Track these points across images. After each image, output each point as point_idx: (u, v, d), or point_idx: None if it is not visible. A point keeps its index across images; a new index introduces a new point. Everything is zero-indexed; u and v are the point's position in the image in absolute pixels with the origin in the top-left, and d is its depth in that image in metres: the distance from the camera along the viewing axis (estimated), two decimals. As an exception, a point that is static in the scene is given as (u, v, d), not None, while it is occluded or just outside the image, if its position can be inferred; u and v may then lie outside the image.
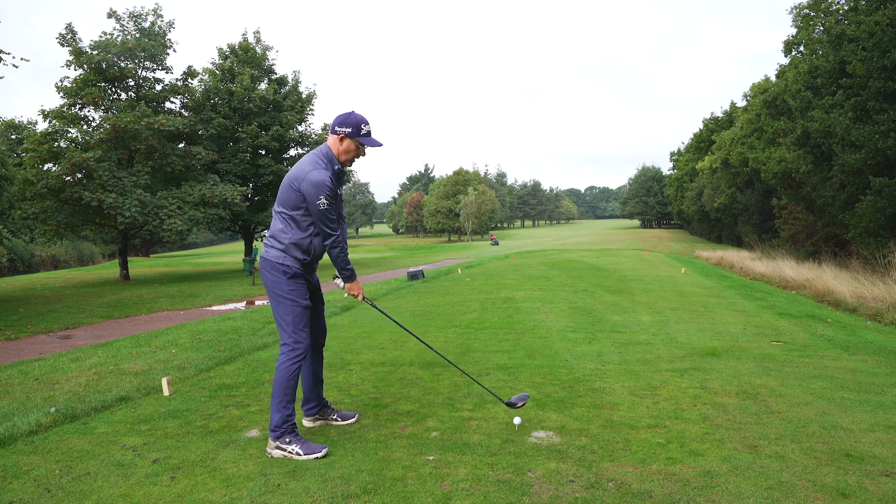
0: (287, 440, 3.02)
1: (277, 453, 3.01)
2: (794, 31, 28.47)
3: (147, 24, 23.21)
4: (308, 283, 3.23)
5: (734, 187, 44.81)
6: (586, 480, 2.64)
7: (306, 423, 3.49)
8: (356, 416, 3.56)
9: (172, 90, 24.18)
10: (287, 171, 29.26)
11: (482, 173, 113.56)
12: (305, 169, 3.02)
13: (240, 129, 26.42)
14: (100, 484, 2.76)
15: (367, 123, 3.13)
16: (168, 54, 23.40)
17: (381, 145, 3.21)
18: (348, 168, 3.19)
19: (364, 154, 3.20)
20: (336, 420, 3.50)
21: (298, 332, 3.08)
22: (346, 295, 3.47)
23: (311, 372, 3.42)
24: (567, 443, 3.10)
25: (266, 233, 27.01)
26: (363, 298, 3.37)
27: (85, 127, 22.08)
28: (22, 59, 13.37)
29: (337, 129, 3.09)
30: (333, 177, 3.06)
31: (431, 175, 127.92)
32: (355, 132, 3.09)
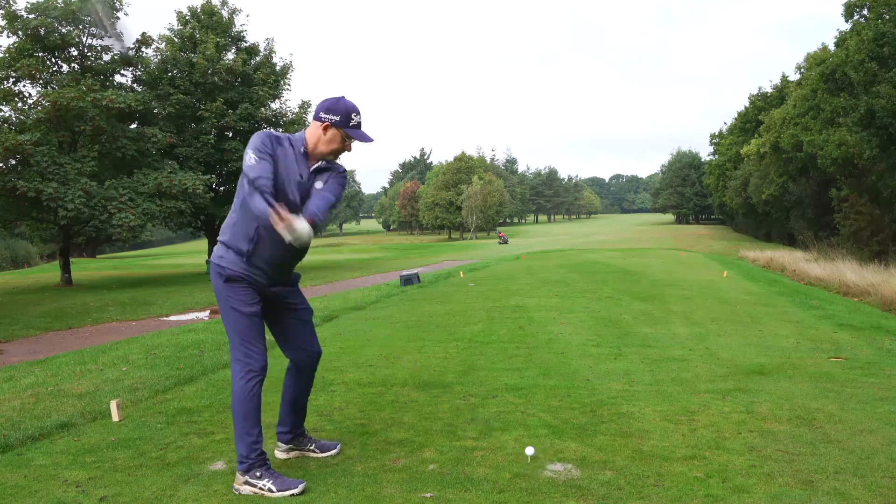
0: (257, 474, 3.01)
1: (246, 490, 3.01)
2: (856, -9, 28.46)
3: (93, -17, 23.24)
4: (256, 287, 3.11)
5: (786, 176, 44.78)
6: (611, 522, 2.64)
7: (279, 454, 3.48)
8: (338, 446, 3.56)
9: (123, 61, 24.17)
10: None
11: (488, 159, 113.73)
12: None
13: (202, 106, 26.43)
14: (37, 526, 2.76)
15: (358, 113, 3.11)
16: (118, 18, 23.41)
17: (371, 141, 3.19)
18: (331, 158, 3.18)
19: (350, 149, 3.18)
20: (314, 452, 3.50)
21: (247, 346, 3.04)
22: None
23: (288, 391, 3.42)
24: (588, 477, 3.09)
25: None
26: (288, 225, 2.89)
27: (20, 104, 22.09)
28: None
29: (322, 115, 3.07)
30: (275, 141, 3.02)
31: (428, 161, 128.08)
32: (344, 122, 3.07)
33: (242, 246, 3.06)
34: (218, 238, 3.20)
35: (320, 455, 3.48)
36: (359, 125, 3.12)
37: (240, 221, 3.07)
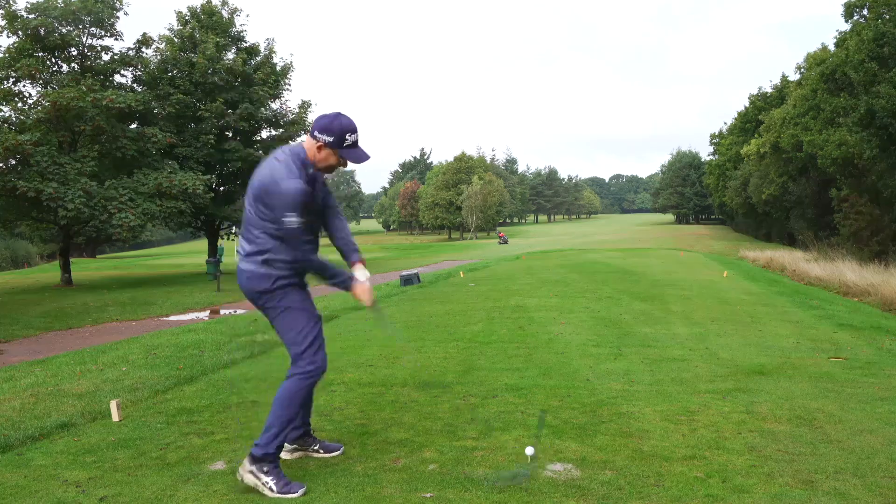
0: (264, 469, 3.01)
1: (249, 479, 3.01)
2: (856, -9, 28.46)
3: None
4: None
5: (786, 176, 44.77)
6: (611, 522, 2.64)
7: (283, 454, 3.46)
8: (341, 448, 3.55)
9: (123, 61, 24.18)
10: (258, 156, 29.30)
11: (488, 159, 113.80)
12: (276, 176, 3.00)
13: (202, 106, 26.44)
14: (37, 526, 2.76)
15: (353, 132, 3.07)
16: (118, 18, 23.42)
17: (367, 159, 3.16)
18: (326, 175, 3.22)
19: (345, 165, 3.18)
20: (318, 452, 3.50)
21: (314, 346, 3.18)
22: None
23: None
24: (588, 477, 3.10)
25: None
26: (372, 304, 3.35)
27: (20, 104, 22.09)
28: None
29: (316, 134, 3.04)
30: (308, 184, 3.05)
31: (428, 161, 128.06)
32: (338, 142, 3.04)
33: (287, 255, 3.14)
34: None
35: (324, 455, 3.48)
36: (354, 144, 3.09)
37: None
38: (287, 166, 3.01)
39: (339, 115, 3.08)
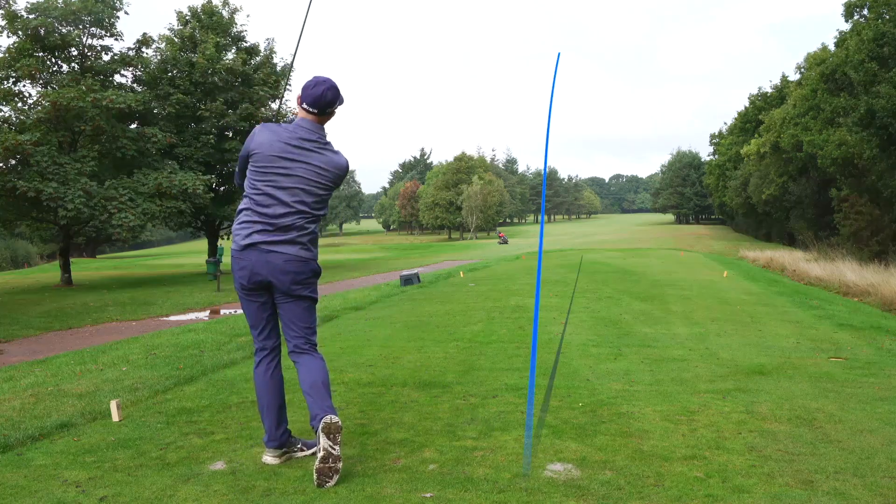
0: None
1: (334, 448, 3.09)
2: (856, -9, 28.44)
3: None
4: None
5: (786, 176, 44.78)
6: (611, 522, 2.64)
7: (269, 459, 3.40)
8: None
9: (123, 61, 24.17)
10: None
11: (488, 159, 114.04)
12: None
13: (202, 106, 26.44)
14: (37, 526, 2.76)
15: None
16: (118, 18, 23.42)
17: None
18: None
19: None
20: (302, 450, 3.47)
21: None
22: None
23: (281, 387, 3.47)
24: (588, 477, 3.10)
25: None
26: None
27: (20, 104, 22.09)
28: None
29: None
30: None
31: (428, 161, 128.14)
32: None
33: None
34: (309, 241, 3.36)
35: (307, 452, 3.44)
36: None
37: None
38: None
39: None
